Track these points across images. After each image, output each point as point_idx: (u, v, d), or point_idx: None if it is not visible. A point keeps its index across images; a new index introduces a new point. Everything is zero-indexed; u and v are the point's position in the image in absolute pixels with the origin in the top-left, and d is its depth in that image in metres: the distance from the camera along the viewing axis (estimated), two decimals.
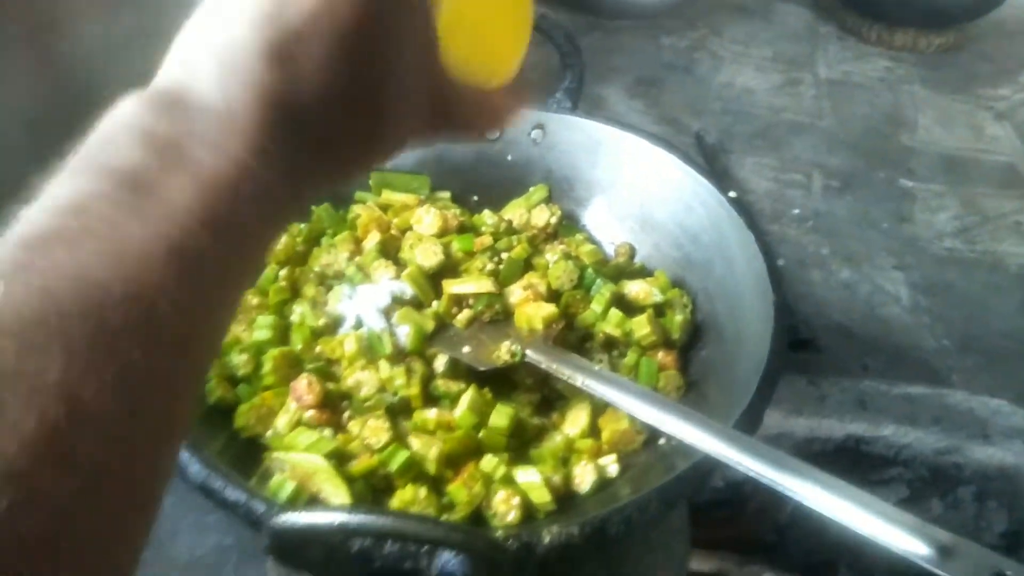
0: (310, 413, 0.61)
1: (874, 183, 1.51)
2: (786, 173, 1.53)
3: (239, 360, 0.65)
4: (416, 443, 0.60)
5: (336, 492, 0.56)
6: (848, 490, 0.48)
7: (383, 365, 0.65)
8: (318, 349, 0.67)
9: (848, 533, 0.94)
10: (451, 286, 0.71)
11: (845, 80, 1.82)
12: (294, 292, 0.72)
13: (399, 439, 0.61)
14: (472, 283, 0.71)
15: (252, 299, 0.70)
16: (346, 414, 0.63)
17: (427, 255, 0.73)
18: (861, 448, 1.02)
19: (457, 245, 0.75)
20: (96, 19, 0.86)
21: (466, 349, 0.68)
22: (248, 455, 0.61)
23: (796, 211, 1.44)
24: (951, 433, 1.00)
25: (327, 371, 0.65)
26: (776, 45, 1.95)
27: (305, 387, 0.62)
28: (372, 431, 0.60)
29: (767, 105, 1.73)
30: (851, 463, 1.02)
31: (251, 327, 0.68)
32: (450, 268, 0.74)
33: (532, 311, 0.68)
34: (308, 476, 0.57)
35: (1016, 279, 1.29)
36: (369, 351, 0.66)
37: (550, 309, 0.69)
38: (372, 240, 0.75)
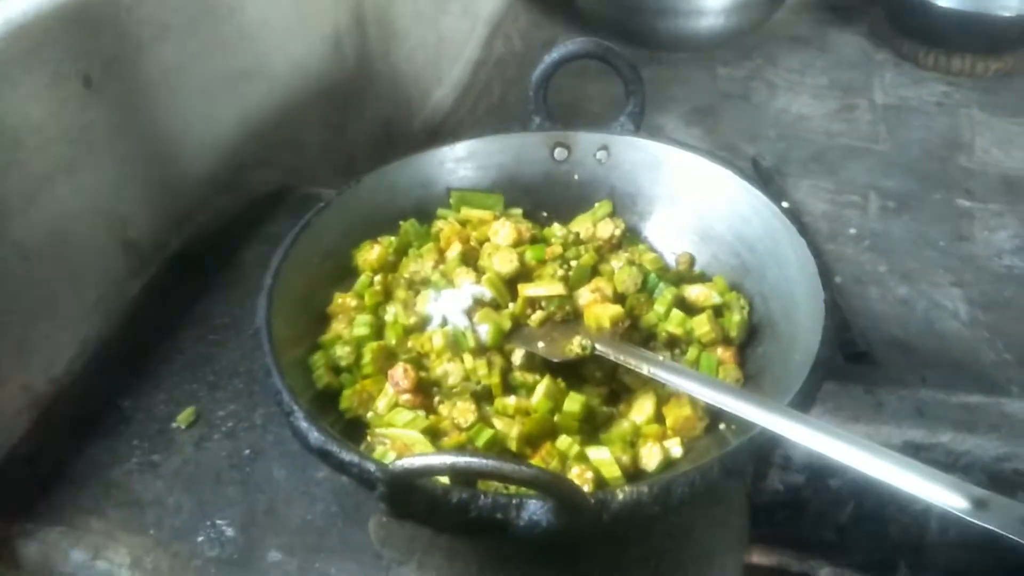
0: (406, 397, 0.70)
1: (931, 203, 1.53)
2: (842, 195, 1.57)
3: (342, 352, 0.74)
4: (499, 424, 0.68)
5: None
6: (892, 455, 0.53)
7: (467, 358, 0.73)
8: (410, 344, 0.75)
9: (909, 533, 0.98)
10: (526, 289, 0.78)
11: (901, 105, 1.85)
12: (387, 295, 0.81)
13: (484, 420, 0.68)
14: (544, 287, 0.78)
15: (351, 301, 0.79)
16: (436, 399, 0.71)
17: (503, 262, 0.81)
18: (920, 455, 1.05)
19: (530, 254, 0.83)
20: None
21: (540, 344, 0.75)
22: (351, 434, 0.69)
23: (853, 231, 1.47)
24: (1009, 440, 1.02)
25: (419, 362, 0.74)
26: (831, 73, 1.99)
27: (401, 374, 0.70)
28: (460, 412, 0.68)
29: (823, 130, 1.78)
30: None
31: (351, 325, 0.77)
32: (524, 274, 0.82)
33: (600, 311, 0.76)
34: (407, 448, 0.65)
35: None
36: (454, 345, 0.74)
37: (616, 309, 0.76)
38: (454, 250, 0.84)
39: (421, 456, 0.48)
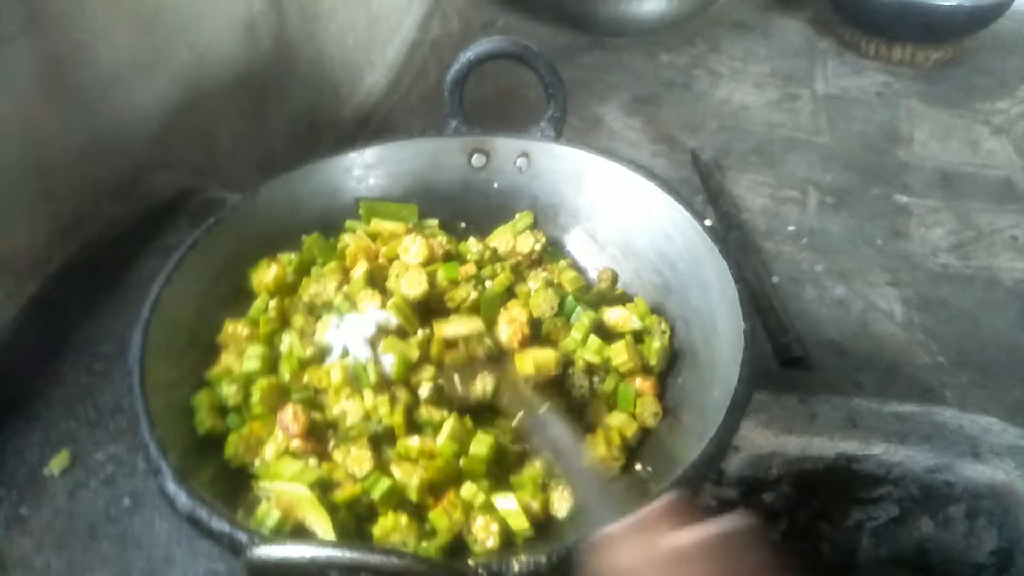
0: (296, 443, 0.64)
1: (869, 199, 1.52)
2: (781, 189, 1.54)
3: (229, 391, 0.67)
4: (398, 471, 0.62)
5: (319, 521, 0.58)
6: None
7: (367, 395, 0.67)
8: (306, 379, 0.69)
9: (840, 550, 0.93)
10: (443, 328, 0.71)
11: (843, 95, 1.83)
12: (284, 322, 0.74)
13: (382, 467, 0.63)
14: (463, 324, 0.72)
15: (243, 329, 0.73)
16: (332, 443, 0.65)
17: (412, 284, 0.75)
18: (852, 467, 1.03)
19: (442, 273, 0.77)
20: None
21: (455, 376, 0.69)
22: (238, 483, 0.63)
23: (791, 228, 1.45)
24: (942, 451, 1.00)
25: (314, 400, 0.67)
26: (774, 61, 1.96)
27: (291, 417, 0.64)
28: (355, 460, 0.62)
29: (764, 121, 1.75)
30: (842, 481, 1.03)
31: (241, 357, 0.70)
32: (435, 297, 0.76)
33: (530, 357, 0.69)
34: (292, 505, 0.59)
35: (1011, 294, 1.30)
36: (354, 381, 0.68)
37: (547, 356, 0.69)
38: (360, 269, 0.77)
39: (282, 546, 0.43)
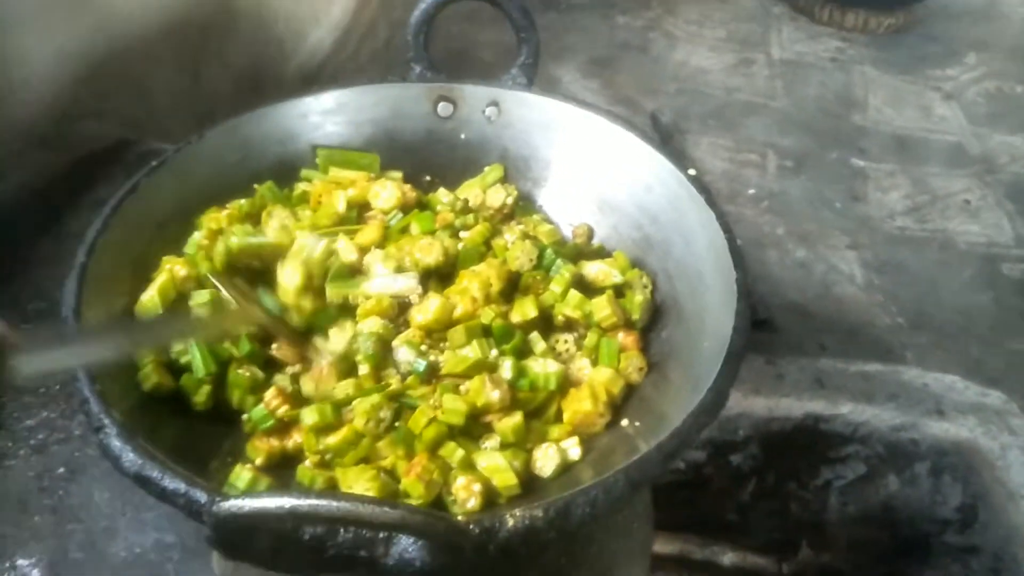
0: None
1: (827, 163, 1.52)
2: (741, 153, 1.53)
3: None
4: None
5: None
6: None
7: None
8: None
9: (809, 509, 0.93)
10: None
11: (798, 60, 1.83)
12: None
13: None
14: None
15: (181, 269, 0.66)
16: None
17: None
18: (820, 427, 1.02)
19: (416, 223, 0.72)
20: None
21: None
22: (207, 449, 0.57)
23: (751, 191, 1.44)
24: (907, 410, 1.00)
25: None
26: (730, 25, 1.95)
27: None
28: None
29: (721, 85, 1.73)
30: (810, 441, 1.02)
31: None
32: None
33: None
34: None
35: (965, 256, 1.32)
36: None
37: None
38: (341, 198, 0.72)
39: (254, 498, 0.38)
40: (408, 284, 0.66)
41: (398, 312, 0.66)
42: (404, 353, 0.62)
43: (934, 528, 0.96)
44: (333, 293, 0.64)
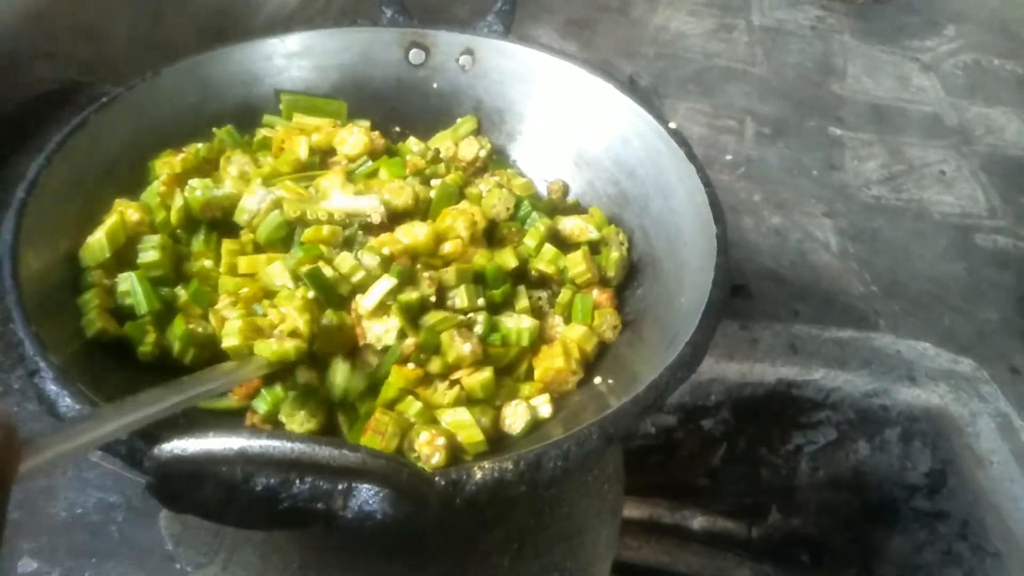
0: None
1: (805, 131, 1.50)
2: (719, 119, 1.50)
3: (126, 287, 0.57)
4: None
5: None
6: None
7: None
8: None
9: (779, 474, 0.92)
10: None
11: (778, 27, 1.80)
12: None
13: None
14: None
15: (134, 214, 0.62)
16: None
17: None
18: (792, 392, 1.02)
19: (386, 171, 0.69)
20: None
21: None
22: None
23: (729, 157, 1.42)
24: (879, 376, 1.00)
25: None
26: None
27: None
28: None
29: (701, 50, 1.70)
30: (782, 407, 1.02)
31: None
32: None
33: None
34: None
35: (939, 226, 1.31)
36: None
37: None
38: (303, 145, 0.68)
39: (199, 438, 0.34)
40: (370, 203, 0.61)
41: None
42: (368, 259, 0.58)
43: (903, 493, 0.96)
44: (290, 209, 0.60)
